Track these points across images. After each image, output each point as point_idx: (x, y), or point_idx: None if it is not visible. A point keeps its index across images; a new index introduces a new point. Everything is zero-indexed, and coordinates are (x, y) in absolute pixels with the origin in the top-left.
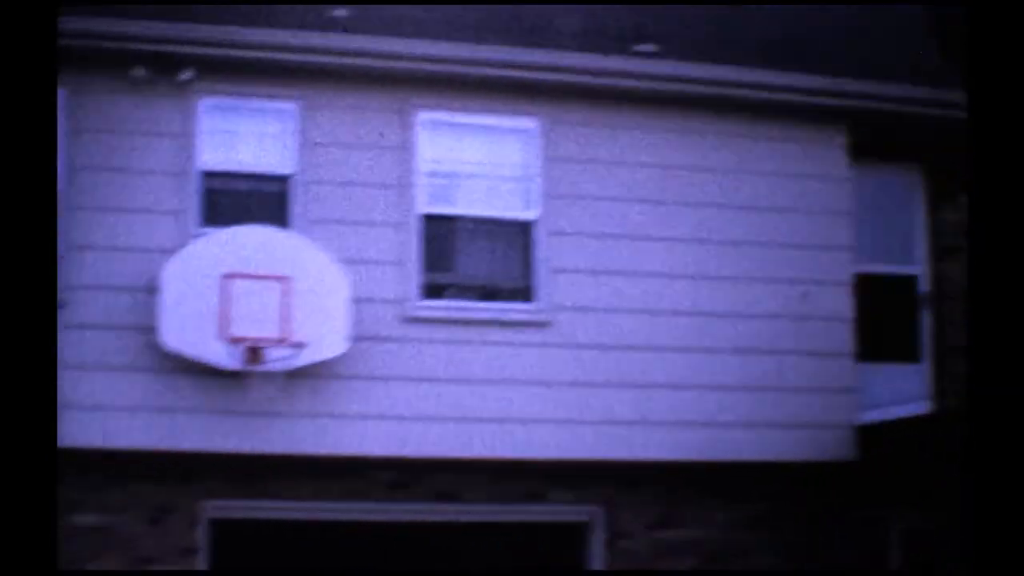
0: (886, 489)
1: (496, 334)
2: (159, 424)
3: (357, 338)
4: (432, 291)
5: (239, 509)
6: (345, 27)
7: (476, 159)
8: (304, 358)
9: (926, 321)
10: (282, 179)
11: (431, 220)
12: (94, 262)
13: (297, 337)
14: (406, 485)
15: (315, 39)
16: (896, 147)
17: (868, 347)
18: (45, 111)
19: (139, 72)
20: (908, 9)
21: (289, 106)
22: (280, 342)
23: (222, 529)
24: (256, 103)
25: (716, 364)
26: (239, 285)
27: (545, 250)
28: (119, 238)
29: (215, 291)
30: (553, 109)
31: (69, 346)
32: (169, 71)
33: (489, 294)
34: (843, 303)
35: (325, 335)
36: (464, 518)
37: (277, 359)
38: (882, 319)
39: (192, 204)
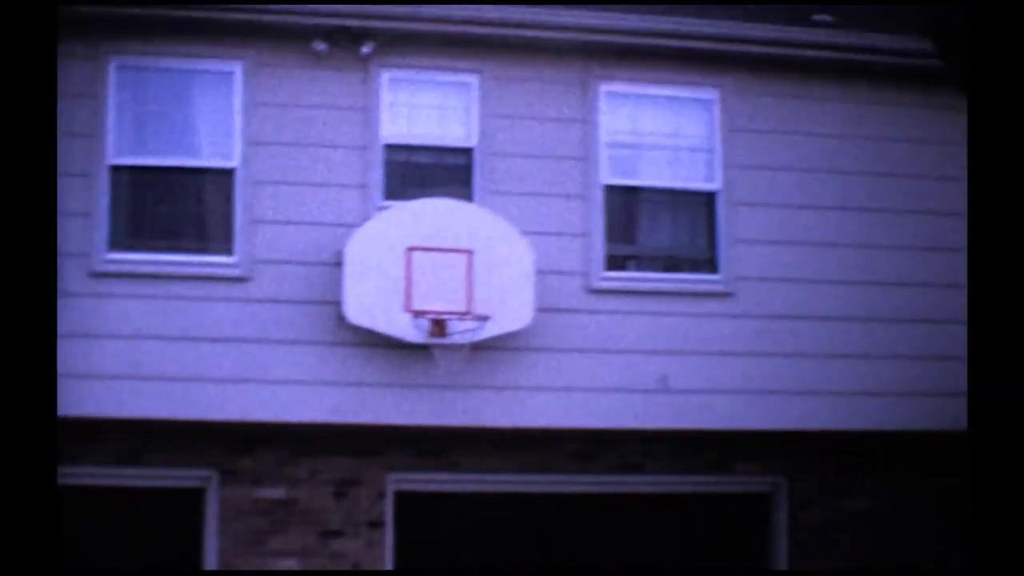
0: None
1: (679, 305)
2: (343, 398)
3: (541, 310)
4: (615, 263)
5: (424, 482)
6: None
7: (658, 130)
8: (488, 330)
9: None
10: (464, 151)
11: (614, 191)
12: (277, 236)
13: (481, 309)
14: (591, 456)
15: (496, 12)
16: None
17: None
18: (45, 108)
19: (319, 46)
20: None
21: (470, 78)
22: (464, 315)
23: (407, 501)
24: (437, 76)
25: (894, 333)
26: (423, 258)
27: (727, 221)
28: (302, 212)
29: (399, 264)
30: (733, 79)
31: (252, 321)
32: (349, 45)
33: (672, 265)
34: None
35: (509, 307)
36: (648, 489)
37: (461, 332)
38: None
39: (375, 177)
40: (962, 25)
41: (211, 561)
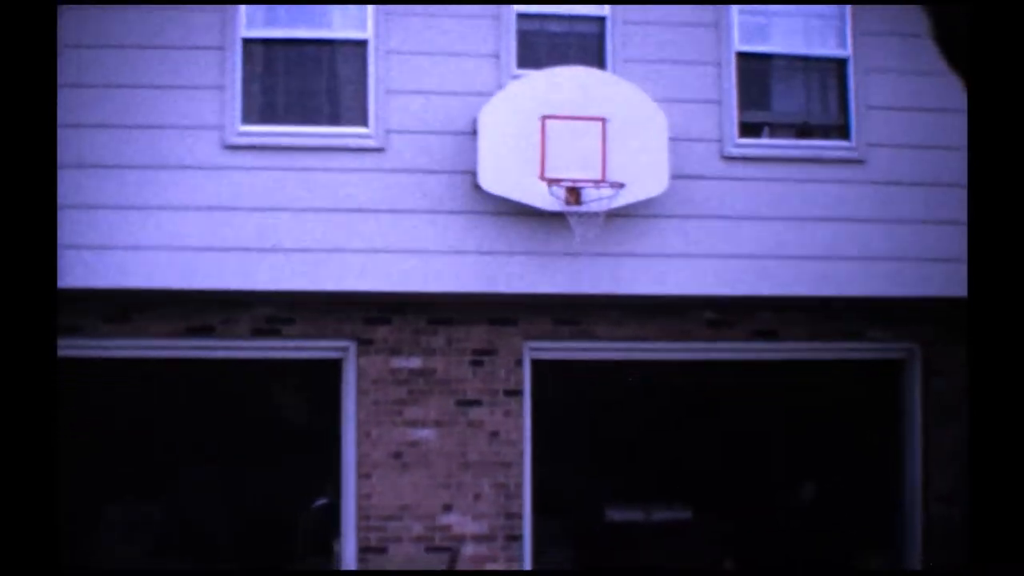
0: None
1: (811, 172)
2: (479, 267)
3: (675, 177)
4: (748, 130)
5: (560, 350)
6: None
7: None
8: (623, 198)
9: None
10: (597, 20)
11: (747, 58)
12: (411, 106)
13: (616, 177)
14: (725, 324)
15: None
16: None
17: None
18: (44, 104)
19: None
20: None
21: None
22: (599, 183)
23: (543, 370)
24: None
25: None
26: (557, 126)
27: (859, 87)
28: (436, 82)
29: (534, 133)
30: None
31: (388, 191)
32: None
33: (804, 132)
34: None
35: (644, 175)
36: (782, 356)
37: (596, 199)
38: None
39: (508, 46)
40: (964, 25)
41: (349, 431)
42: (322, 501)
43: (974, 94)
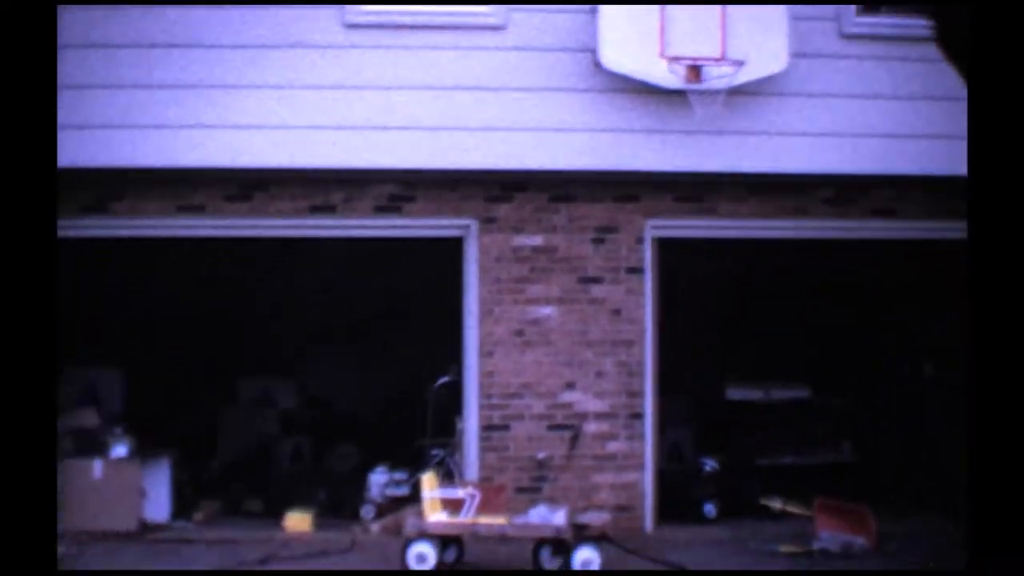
0: None
1: (934, 50)
2: (600, 144)
3: (795, 55)
4: (868, 8)
5: (681, 228)
6: None
7: None
8: (743, 76)
9: None
10: None
11: None
12: None
13: (736, 55)
14: (845, 201)
15: None
16: None
17: None
18: (45, 106)
19: None
20: None
21: None
22: (719, 60)
23: (665, 248)
24: None
25: None
26: (679, 4)
27: None
28: None
29: (654, 10)
30: None
31: (509, 69)
32: None
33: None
34: None
35: (763, 53)
36: (901, 235)
37: (717, 77)
38: None
39: None
40: (966, 25)
41: (472, 309)
42: (445, 379)
43: (974, 94)
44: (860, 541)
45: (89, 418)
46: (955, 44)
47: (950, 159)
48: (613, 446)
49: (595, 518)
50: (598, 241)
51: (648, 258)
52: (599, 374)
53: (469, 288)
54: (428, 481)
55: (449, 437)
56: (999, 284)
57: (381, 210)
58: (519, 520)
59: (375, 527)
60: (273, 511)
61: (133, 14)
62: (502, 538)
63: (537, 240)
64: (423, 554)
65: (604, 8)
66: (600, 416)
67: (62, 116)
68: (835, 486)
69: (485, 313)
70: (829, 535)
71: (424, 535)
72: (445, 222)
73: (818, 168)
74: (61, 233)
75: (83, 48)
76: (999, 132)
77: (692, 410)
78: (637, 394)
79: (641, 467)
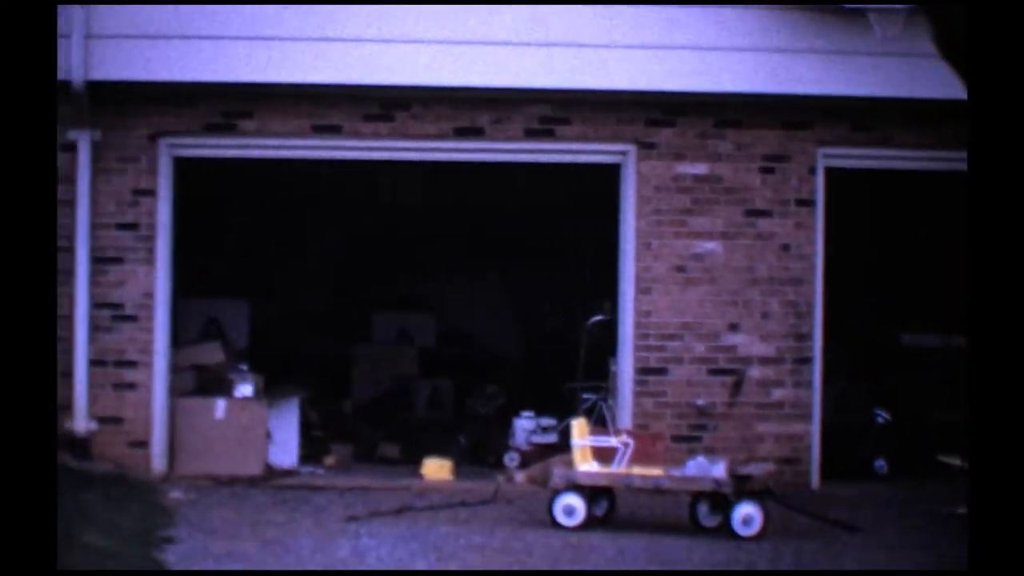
0: None
1: None
2: (770, 66)
3: None
4: None
5: (856, 157)
6: None
7: None
8: None
9: None
10: None
11: None
12: None
13: None
14: None
15: None
16: None
17: None
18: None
19: None
20: None
21: None
22: None
23: (838, 179)
24: None
25: None
26: None
27: None
28: None
29: None
30: None
31: None
32: None
33: None
34: None
35: None
36: None
37: None
38: None
39: None
40: (963, 26)
41: (629, 242)
42: (599, 318)
43: (974, 94)
44: None
45: (212, 353)
46: (953, 45)
47: None
48: (779, 393)
49: (758, 469)
50: (766, 171)
51: (820, 190)
52: (765, 315)
53: (626, 220)
54: (578, 428)
55: (602, 381)
56: (1002, 284)
57: (532, 133)
58: (676, 472)
59: (519, 476)
60: (410, 457)
61: None
62: (657, 491)
63: (700, 168)
64: (571, 506)
65: None
66: (765, 361)
67: (191, 27)
68: (1021, 443)
69: (643, 247)
70: None
71: (573, 486)
72: (601, 147)
73: None
74: (183, 152)
75: None
76: (999, 133)
77: (863, 357)
78: (805, 337)
79: (808, 417)
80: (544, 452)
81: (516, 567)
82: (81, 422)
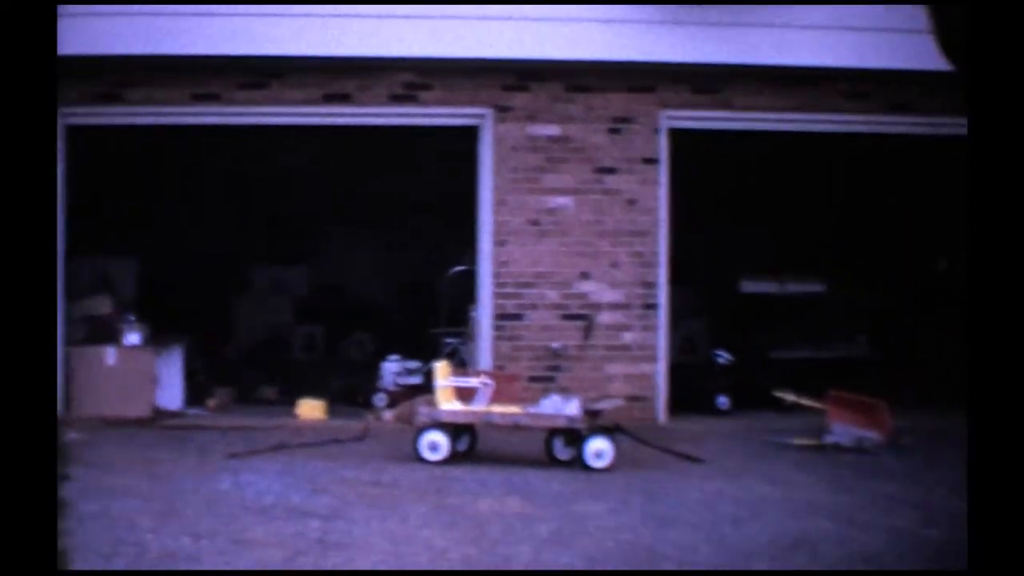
0: None
1: None
2: (617, 35)
3: None
4: None
5: (697, 119)
6: None
7: None
8: None
9: None
10: None
11: None
12: None
13: None
14: (861, 96)
15: None
16: None
17: None
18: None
19: None
20: None
21: None
22: None
23: (680, 139)
24: None
25: None
26: None
27: None
28: None
29: None
30: None
31: None
32: None
33: None
34: None
35: None
36: (920, 131)
37: None
38: None
39: None
40: (963, 25)
41: (487, 198)
42: (460, 268)
43: (974, 94)
44: (873, 435)
45: (102, 306)
46: (953, 45)
47: None
48: (627, 337)
49: (608, 406)
50: (614, 132)
51: (663, 149)
52: (613, 264)
53: (484, 177)
54: (441, 370)
55: (463, 327)
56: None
57: (396, 99)
58: (532, 409)
59: (387, 415)
60: (288, 399)
61: None
62: (515, 427)
63: (553, 130)
64: (435, 443)
65: None
66: (614, 306)
67: (80, 5)
68: (850, 381)
69: (499, 202)
70: (842, 429)
71: (436, 424)
72: (461, 111)
73: (835, 61)
74: (75, 121)
75: None
76: (999, 133)
77: (706, 303)
78: (651, 285)
79: (655, 358)
80: (410, 393)
81: (383, 499)
82: None
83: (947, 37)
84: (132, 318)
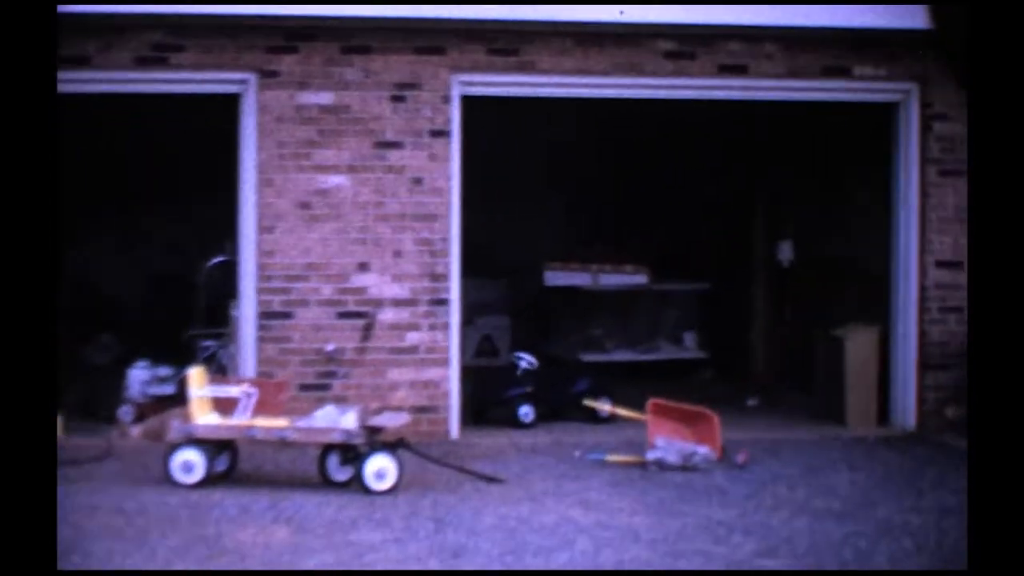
0: None
1: None
2: None
3: None
4: None
5: (494, 85)
6: None
7: None
8: None
9: None
10: None
11: None
12: None
13: None
14: (686, 57)
15: None
16: None
17: None
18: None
19: None
20: None
21: None
22: None
23: (475, 108)
24: None
25: None
26: None
27: None
28: None
29: None
30: None
31: None
32: None
33: None
34: None
35: None
36: (753, 95)
37: None
38: None
39: None
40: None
41: (249, 178)
42: (219, 259)
43: (974, 94)
44: (703, 450)
45: None
46: (953, 45)
47: (810, 7)
48: (413, 337)
49: (391, 420)
50: (397, 99)
51: (455, 120)
52: (397, 254)
53: (246, 153)
54: (196, 377)
55: (222, 327)
56: (999, 290)
57: (143, 62)
58: (302, 423)
59: (135, 431)
60: None
61: None
62: (283, 444)
63: (326, 98)
64: (189, 462)
65: None
66: (398, 302)
67: None
68: (675, 387)
69: (264, 182)
70: (666, 443)
71: (191, 440)
72: (219, 76)
73: (656, 17)
74: None
75: None
76: (999, 132)
77: (508, 298)
78: (441, 277)
79: (446, 362)
80: (162, 404)
81: (128, 530)
82: None
83: (946, 37)
84: None
